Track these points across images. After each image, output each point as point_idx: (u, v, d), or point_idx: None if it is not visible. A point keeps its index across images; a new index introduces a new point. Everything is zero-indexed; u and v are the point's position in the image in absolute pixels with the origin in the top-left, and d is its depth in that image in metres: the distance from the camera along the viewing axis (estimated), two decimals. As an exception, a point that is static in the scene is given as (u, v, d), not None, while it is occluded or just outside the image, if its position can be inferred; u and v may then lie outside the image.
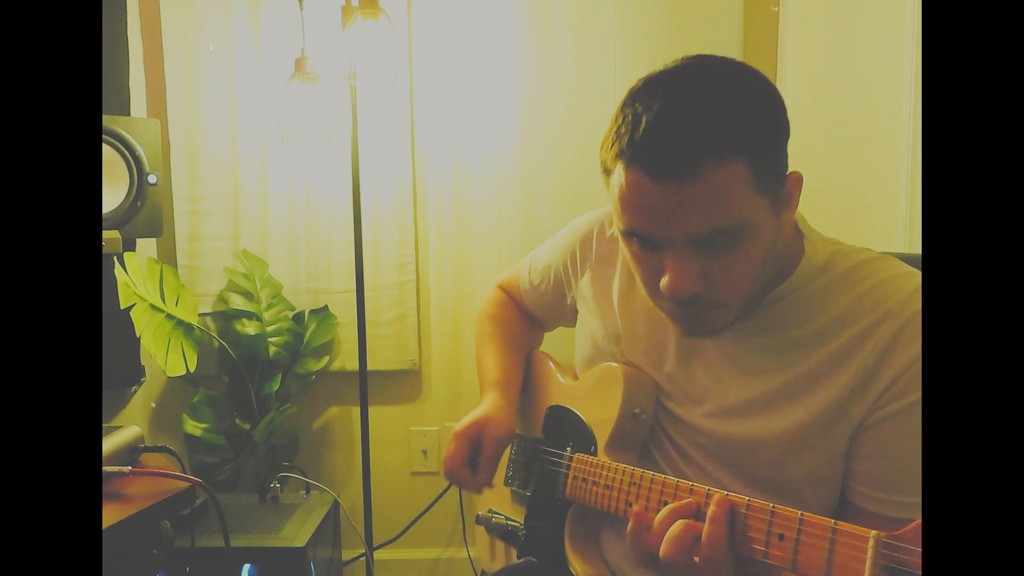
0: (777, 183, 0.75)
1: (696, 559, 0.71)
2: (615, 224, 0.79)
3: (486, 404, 1.08)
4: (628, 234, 0.78)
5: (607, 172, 0.77)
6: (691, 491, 0.77)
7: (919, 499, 0.74)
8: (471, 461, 1.04)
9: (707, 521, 0.71)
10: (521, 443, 1.12)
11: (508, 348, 1.18)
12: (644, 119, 0.71)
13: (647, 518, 0.77)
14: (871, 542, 0.60)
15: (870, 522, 0.77)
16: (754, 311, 0.83)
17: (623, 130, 0.73)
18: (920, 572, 0.56)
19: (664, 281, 0.75)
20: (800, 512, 0.67)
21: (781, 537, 0.68)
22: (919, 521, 0.56)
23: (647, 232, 0.75)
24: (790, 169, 0.78)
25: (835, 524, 0.64)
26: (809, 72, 1.82)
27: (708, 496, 0.75)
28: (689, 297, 0.76)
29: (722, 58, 0.76)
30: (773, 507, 0.69)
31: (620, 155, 0.73)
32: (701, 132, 0.69)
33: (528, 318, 1.22)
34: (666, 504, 0.79)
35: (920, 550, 0.56)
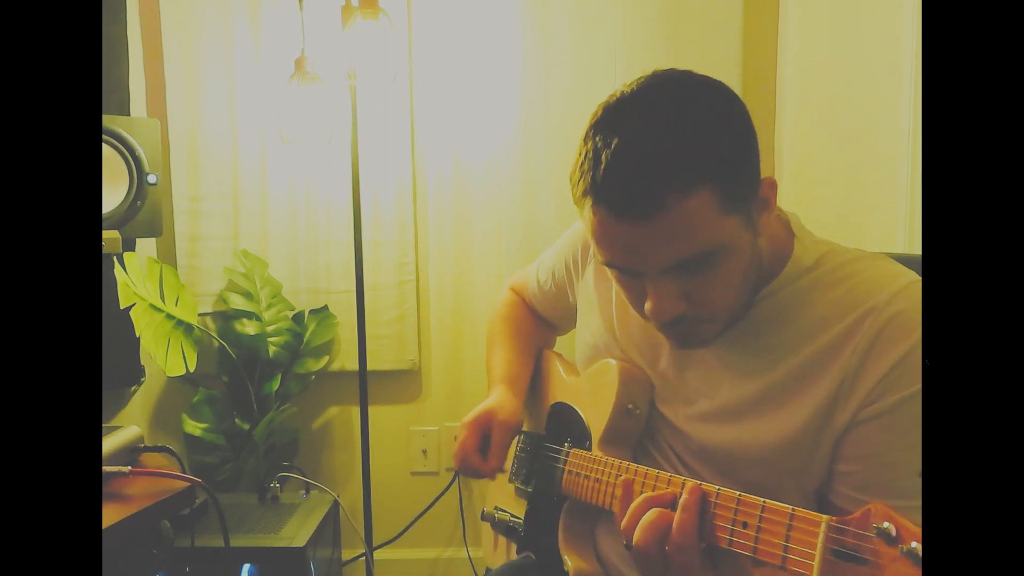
0: (749, 198, 0.75)
1: (667, 548, 0.72)
2: (595, 255, 0.80)
3: (493, 397, 1.10)
4: (607, 265, 0.79)
5: (578, 205, 0.78)
6: (669, 482, 0.79)
7: (903, 502, 0.72)
8: (482, 448, 1.06)
9: (679, 509, 0.72)
10: (526, 439, 1.13)
11: (516, 347, 1.19)
12: (604, 157, 0.71)
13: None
14: (823, 527, 0.61)
15: None
16: (744, 312, 0.83)
17: (586, 167, 0.73)
18: (867, 556, 0.57)
19: (647, 306, 0.77)
20: (763, 500, 0.68)
21: (744, 525, 0.69)
22: (869, 506, 0.58)
23: (622, 265, 0.77)
24: (773, 173, 0.78)
25: (793, 510, 0.65)
26: (809, 72, 1.82)
27: (683, 486, 0.75)
28: (672, 319, 0.77)
29: (682, 76, 0.75)
30: (739, 495, 0.70)
31: (585, 194, 0.74)
32: (659, 168, 0.69)
33: (538, 319, 1.23)
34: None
35: (869, 534, 0.57)
